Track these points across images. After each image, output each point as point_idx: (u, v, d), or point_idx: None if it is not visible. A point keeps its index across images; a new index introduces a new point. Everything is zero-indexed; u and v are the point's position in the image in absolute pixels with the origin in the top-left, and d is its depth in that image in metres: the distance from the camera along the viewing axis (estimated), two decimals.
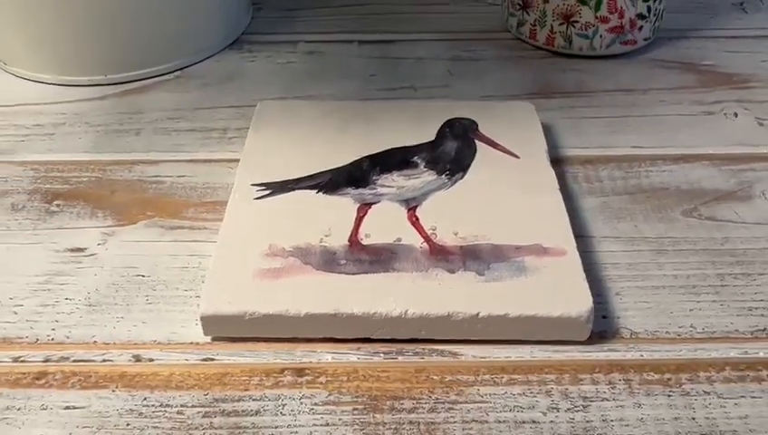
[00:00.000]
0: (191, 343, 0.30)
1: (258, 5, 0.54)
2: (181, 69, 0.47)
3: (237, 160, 0.38)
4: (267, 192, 0.34)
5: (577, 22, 0.46)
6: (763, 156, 0.40)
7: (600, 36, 0.46)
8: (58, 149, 0.41)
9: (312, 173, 0.35)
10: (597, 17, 0.46)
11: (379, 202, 0.34)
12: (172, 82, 0.46)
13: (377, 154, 0.37)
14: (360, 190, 0.34)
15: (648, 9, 0.46)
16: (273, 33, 0.51)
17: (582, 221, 0.36)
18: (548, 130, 0.41)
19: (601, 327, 0.30)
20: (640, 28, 0.47)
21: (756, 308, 0.31)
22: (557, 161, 0.39)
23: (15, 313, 0.31)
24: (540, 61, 0.48)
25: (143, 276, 0.33)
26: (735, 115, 0.43)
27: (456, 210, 0.33)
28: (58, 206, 0.37)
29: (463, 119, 0.39)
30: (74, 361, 0.29)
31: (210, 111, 0.44)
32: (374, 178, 0.35)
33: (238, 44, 0.50)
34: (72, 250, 0.34)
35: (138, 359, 0.29)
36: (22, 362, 0.29)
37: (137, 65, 0.46)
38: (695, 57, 0.48)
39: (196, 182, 0.38)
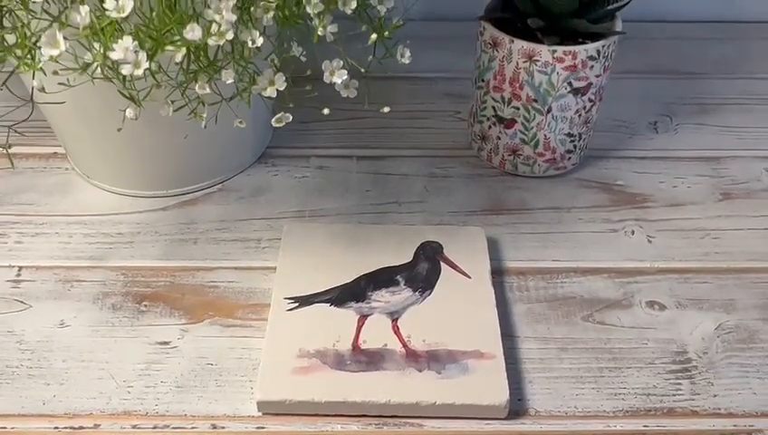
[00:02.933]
0: (249, 416, 0.46)
1: None
2: (222, 183, 0.62)
3: (271, 268, 0.54)
4: (296, 305, 0.50)
5: (521, 154, 0.61)
6: (646, 270, 0.56)
7: (539, 165, 0.62)
8: (138, 256, 0.56)
9: (326, 289, 0.51)
10: (535, 153, 0.61)
11: (372, 314, 0.49)
12: (216, 194, 0.61)
13: (371, 273, 0.52)
14: (360, 304, 0.50)
15: (575, 146, 0.61)
16: (291, 148, 0.66)
17: (512, 324, 0.51)
18: (494, 245, 0.57)
19: (517, 407, 0.46)
20: (569, 158, 0.62)
21: (620, 394, 0.47)
22: (499, 272, 0.55)
23: (129, 392, 0.47)
24: (493, 179, 0.63)
25: (212, 365, 0.48)
26: (632, 233, 0.59)
27: (425, 322, 0.49)
28: (146, 306, 0.52)
29: (432, 242, 0.54)
30: (173, 428, 0.45)
31: (247, 223, 0.59)
32: (369, 293, 0.50)
33: (264, 159, 0.65)
34: (161, 343, 0.49)
35: (214, 427, 0.45)
36: (138, 428, 0.45)
37: (189, 181, 0.61)
38: (610, 177, 0.64)
39: (242, 287, 0.53)
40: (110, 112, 0.46)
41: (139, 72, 0.34)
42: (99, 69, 0.35)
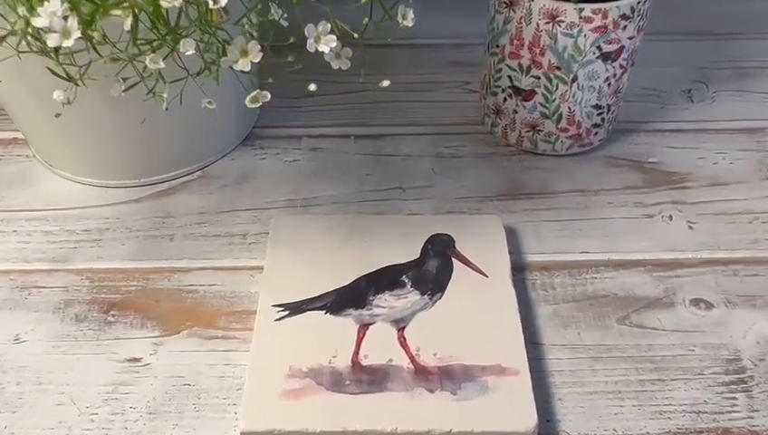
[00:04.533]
0: None
1: None
2: (202, 169, 0.55)
3: (258, 267, 0.47)
4: (285, 313, 0.43)
5: (541, 131, 0.54)
6: (687, 261, 0.48)
7: (561, 142, 0.54)
8: (106, 256, 0.49)
9: (320, 293, 0.44)
10: (558, 128, 0.53)
11: (374, 323, 0.42)
12: (196, 182, 0.54)
13: (372, 273, 0.45)
14: (360, 311, 0.43)
15: (603, 119, 0.54)
16: (280, 127, 0.58)
17: (536, 328, 0.44)
18: (513, 235, 0.50)
19: (546, 430, 0.40)
20: (596, 133, 0.55)
21: (665, 412, 0.41)
22: (519, 268, 0.48)
23: (92, 420, 0.40)
24: (510, 158, 0.56)
25: (189, 385, 0.42)
26: (670, 218, 0.52)
27: (436, 331, 0.42)
28: (113, 316, 0.45)
29: (442, 235, 0.47)
30: None
31: (230, 215, 0.52)
32: (370, 298, 0.44)
33: (250, 140, 0.57)
34: (130, 360, 0.43)
35: None
36: None
37: (165, 168, 0.54)
38: (642, 154, 0.56)
39: (225, 291, 0.47)
40: None
41: (69, 42, 0.26)
42: (22, 40, 0.28)
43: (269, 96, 0.34)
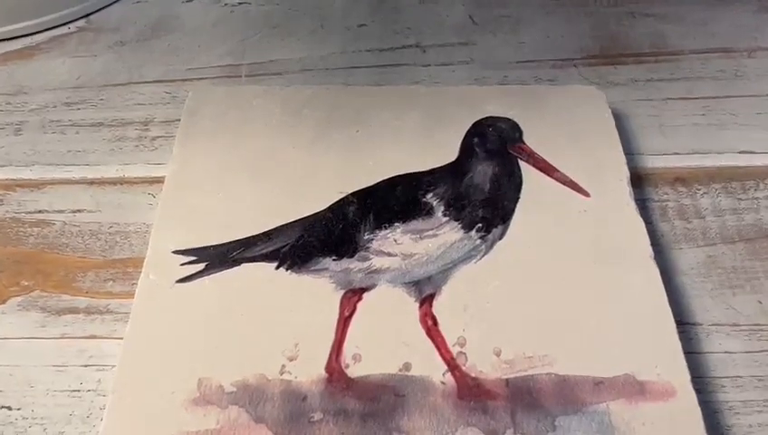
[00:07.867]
0: None
1: None
2: (86, 16, 0.34)
3: (161, 181, 0.26)
4: (199, 268, 0.22)
5: None
6: None
7: None
8: None
9: (269, 228, 0.23)
10: None
11: (374, 287, 0.22)
12: (72, 38, 0.34)
13: (369, 189, 0.24)
14: (345, 263, 0.22)
15: None
16: None
17: (680, 293, 0.24)
18: (618, 121, 0.29)
19: None
20: None
21: None
22: (636, 179, 0.27)
23: None
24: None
25: (9, 410, 0.22)
26: None
27: (496, 305, 0.21)
28: None
29: (499, 120, 0.26)
30: None
31: (126, 91, 0.31)
32: (366, 236, 0.23)
33: None
34: None
35: None
36: None
37: (21, 14, 0.34)
38: None
39: (101, 223, 0.26)
40: None
41: None
42: None
43: None
